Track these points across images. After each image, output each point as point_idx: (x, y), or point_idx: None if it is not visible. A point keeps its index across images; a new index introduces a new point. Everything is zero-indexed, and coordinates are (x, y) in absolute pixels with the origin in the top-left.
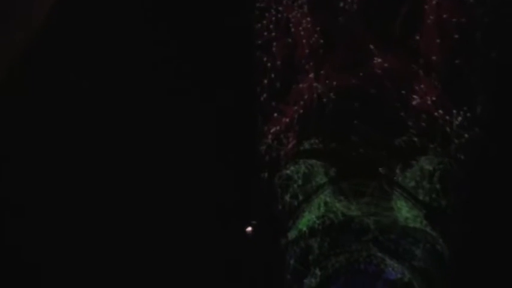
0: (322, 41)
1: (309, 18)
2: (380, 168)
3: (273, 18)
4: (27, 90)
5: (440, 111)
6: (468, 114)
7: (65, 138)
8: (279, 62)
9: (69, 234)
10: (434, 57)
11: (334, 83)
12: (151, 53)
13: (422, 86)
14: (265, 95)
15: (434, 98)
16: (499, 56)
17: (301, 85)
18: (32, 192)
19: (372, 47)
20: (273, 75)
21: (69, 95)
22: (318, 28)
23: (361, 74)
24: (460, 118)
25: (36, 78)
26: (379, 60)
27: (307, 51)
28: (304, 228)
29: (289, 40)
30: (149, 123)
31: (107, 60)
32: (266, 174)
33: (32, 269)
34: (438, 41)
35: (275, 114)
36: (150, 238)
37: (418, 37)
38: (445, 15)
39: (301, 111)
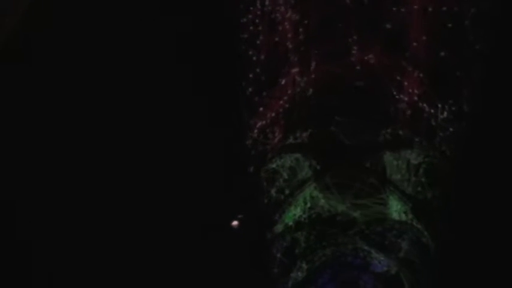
0: (307, 34)
1: (294, 12)
2: (366, 161)
3: (258, 12)
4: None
5: (426, 105)
6: (453, 108)
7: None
8: (264, 56)
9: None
10: (420, 50)
11: (320, 76)
12: (135, 47)
13: (407, 79)
14: (250, 89)
15: (419, 92)
16: (485, 49)
17: (286, 79)
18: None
19: (357, 40)
20: (258, 70)
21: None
22: (305, 22)
23: (346, 67)
24: (445, 112)
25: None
26: (365, 53)
27: (292, 45)
28: (290, 222)
29: (275, 34)
30: (132, 118)
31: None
32: (252, 168)
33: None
34: (423, 33)
35: (261, 109)
36: (134, 233)
37: (403, 30)
38: (430, 9)
39: (287, 105)
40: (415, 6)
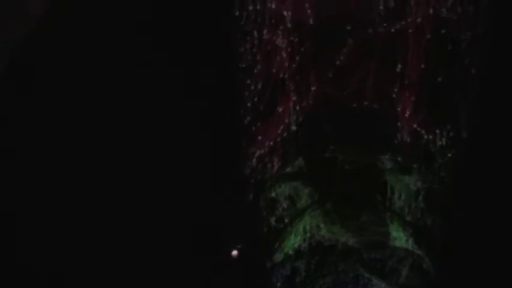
0: (304, 60)
1: (291, 40)
2: (365, 188)
3: (256, 42)
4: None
5: (424, 131)
6: (451, 134)
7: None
8: (262, 85)
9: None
10: (416, 75)
11: (317, 103)
12: (132, 75)
13: (405, 104)
14: (248, 118)
15: (417, 117)
16: (481, 73)
17: (284, 107)
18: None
19: (354, 64)
20: (256, 99)
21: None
22: (302, 49)
23: (344, 93)
24: (443, 138)
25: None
26: (363, 79)
27: (289, 73)
28: (290, 251)
29: (272, 63)
30: (126, 149)
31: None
32: (251, 197)
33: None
34: (420, 57)
35: (259, 137)
36: (131, 261)
37: (399, 54)
38: (428, 36)
39: (285, 133)
40: (410, 30)
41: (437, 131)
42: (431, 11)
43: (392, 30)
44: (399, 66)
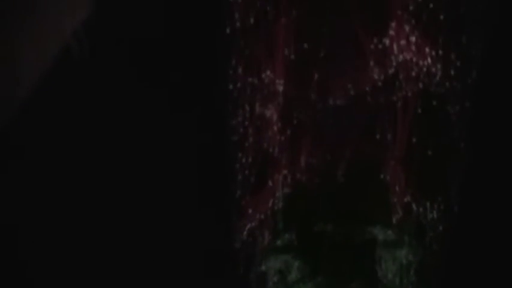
0: (296, 136)
1: (284, 112)
2: (356, 262)
3: (247, 115)
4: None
5: (414, 204)
6: (442, 207)
7: None
8: (253, 158)
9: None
10: (407, 150)
11: (308, 177)
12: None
13: (396, 178)
14: (239, 192)
15: (408, 189)
16: (471, 147)
17: (274, 180)
18: None
19: (345, 139)
20: (247, 172)
21: None
22: (294, 122)
23: (334, 167)
24: (434, 211)
25: None
26: (353, 152)
27: (279, 147)
28: None
29: (263, 136)
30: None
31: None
32: (241, 271)
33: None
34: (408, 130)
35: (250, 211)
36: None
37: (391, 130)
38: (418, 110)
39: (276, 207)
40: (399, 103)
41: (428, 204)
42: (420, 85)
43: (383, 103)
44: (389, 139)
